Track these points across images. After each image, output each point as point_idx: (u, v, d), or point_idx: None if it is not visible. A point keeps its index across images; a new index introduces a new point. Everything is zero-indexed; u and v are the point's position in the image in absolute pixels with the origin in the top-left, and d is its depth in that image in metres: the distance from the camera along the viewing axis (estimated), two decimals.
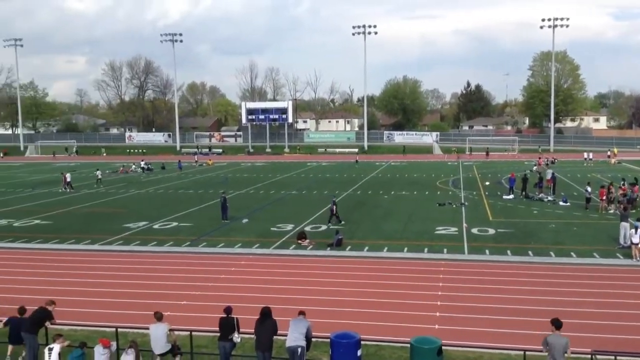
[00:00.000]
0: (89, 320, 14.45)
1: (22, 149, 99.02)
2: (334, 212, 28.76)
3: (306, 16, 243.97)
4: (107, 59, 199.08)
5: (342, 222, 28.20)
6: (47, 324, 12.34)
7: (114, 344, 11.47)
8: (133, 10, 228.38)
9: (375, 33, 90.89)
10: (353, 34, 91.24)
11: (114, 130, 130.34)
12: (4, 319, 12.73)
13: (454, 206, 33.78)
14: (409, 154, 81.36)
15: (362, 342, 11.04)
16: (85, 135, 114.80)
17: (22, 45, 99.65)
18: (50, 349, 11.30)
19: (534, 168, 54.31)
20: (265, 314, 11.36)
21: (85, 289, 18.14)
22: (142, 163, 63.21)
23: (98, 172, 49.46)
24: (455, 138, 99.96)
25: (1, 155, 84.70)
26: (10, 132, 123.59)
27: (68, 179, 44.87)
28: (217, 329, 11.71)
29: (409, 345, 10.66)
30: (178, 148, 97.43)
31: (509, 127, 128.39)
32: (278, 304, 14.87)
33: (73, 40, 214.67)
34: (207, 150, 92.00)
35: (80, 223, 29.83)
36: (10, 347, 12.44)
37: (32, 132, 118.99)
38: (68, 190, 43.69)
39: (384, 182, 47.46)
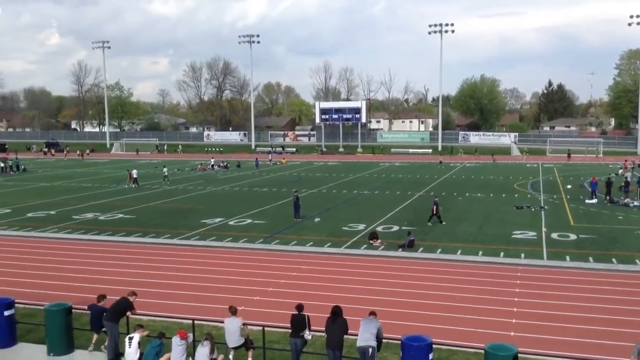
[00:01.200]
0: (167, 311, 15.00)
1: (108, 146, 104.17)
2: (435, 212, 28.37)
3: (382, 15, 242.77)
4: (188, 60, 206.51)
5: (444, 223, 28.11)
6: (128, 313, 12.92)
7: (190, 336, 11.86)
8: (213, 13, 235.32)
9: (452, 31, 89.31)
10: (429, 33, 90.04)
11: (193, 129, 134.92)
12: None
13: (533, 210, 32.60)
14: (484, 155, 79.21)
15: (434, 346, 10.86)
16: (166, 134, 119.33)
17: (109, 47, 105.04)
18: (131, 338, 11.84)
19: (620, 171, 51.57)
20: (336, 312, 11.40)
21: (164, 282, 18.85)
22: (212, 161, 64.93)
23: (165, 169, 51.56)
24: (535, 139, 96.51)
25: (87, 152, 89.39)
26: (97, 130, 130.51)
27: (134, 176, 46.78)
28: (289, 325, 11.87)
29: (483, 351, 10.39)
30: (253, 147, 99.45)
31: (594, 129, 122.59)
32: (348, 303, 14.88)
33: (157, 42, 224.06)
34: (281, 149, 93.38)
35: (160, 218, 31.04)
36: (95, 336, 13.12)
37: (118, 130, 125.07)
38: (134, 186, 45.52)
39: (458, 184, 46.48)
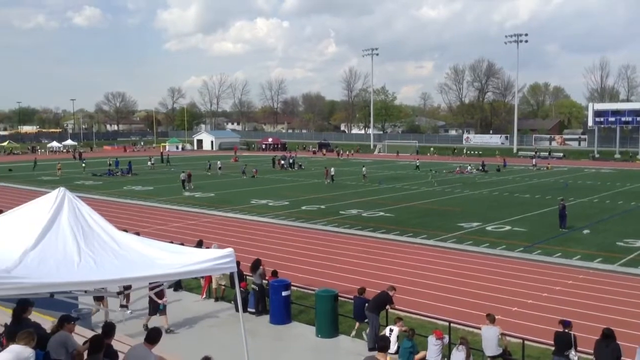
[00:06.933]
0: (423, 310, 15.32)
1: (371, 147, 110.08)
2: None
3: None
4: (451, 63, 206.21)
5: None
6: (388, 307, 13.56)
7: (446, 337, 11.96)
8: (482, 14, 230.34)
9: None
10: None
11: (452, 132, 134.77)
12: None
13: None
14: None
15: None
16: (426, 137, 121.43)
17: (377, 54, 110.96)
18: (391, 330, 12.46)
19: None
20: (609, 335, 10.33)
21: (420, 280, 19.27)
22: (417, 162, 63.64)
23: (364, 169, 54.27)
24: None
25: (352, 152, 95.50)
26: (363, 132, 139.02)
27: (332, 173, 50.39)
28: (551, 342, 11.16)
29: None
30: (515, 151, 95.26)
31: None
32: (620, 326, 13.36)
33: (424, 47, 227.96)
34: (547, 154, 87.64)
35: (418, 218, 31.75)
36: (357, 324, 14.09)
37: (381, 132, 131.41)
38: (328, 182, 49.34)
39: None
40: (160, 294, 13.77)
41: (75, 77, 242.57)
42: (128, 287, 10.93)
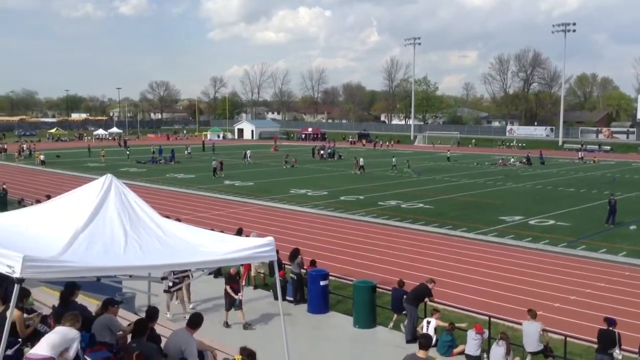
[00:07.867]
0: (462, 303, 15.16)
1: (411, 138, 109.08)
2: None
3: None
4: (496, 53, 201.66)
5: None
6: (427, 299, 13.47)
7: (486, 332, 11.82)
8: (528, 1, 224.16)
9: None
10: None
11: (496, 123, 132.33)
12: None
13: None
14: None
15: None
16: (467, 128, 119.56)
17: (419, 44, 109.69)
18: (429, 322, 12.40)
19: None
20: None
21: (460, 274, 19.07)
22: (512, 159, 62.17)
23: (394, 159, 54.00)
24: None
25: (392, 143, 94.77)
26: (403, 122, 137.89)
27: (361, 163, 50.49)
28: (595, 339, 10.91)
29: None
30: (560, 143, 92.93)
31: None
32: None
33: (468, 36, 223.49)
34: (597, 147, 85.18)
35: (458, 210, 31.36)
36: (395, 316, 14.05)
37: (422, 123, 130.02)
38: (359, 172, 49.61)
39: None
40: (237, 289, 13.99)
41: (121, 66, 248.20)
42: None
